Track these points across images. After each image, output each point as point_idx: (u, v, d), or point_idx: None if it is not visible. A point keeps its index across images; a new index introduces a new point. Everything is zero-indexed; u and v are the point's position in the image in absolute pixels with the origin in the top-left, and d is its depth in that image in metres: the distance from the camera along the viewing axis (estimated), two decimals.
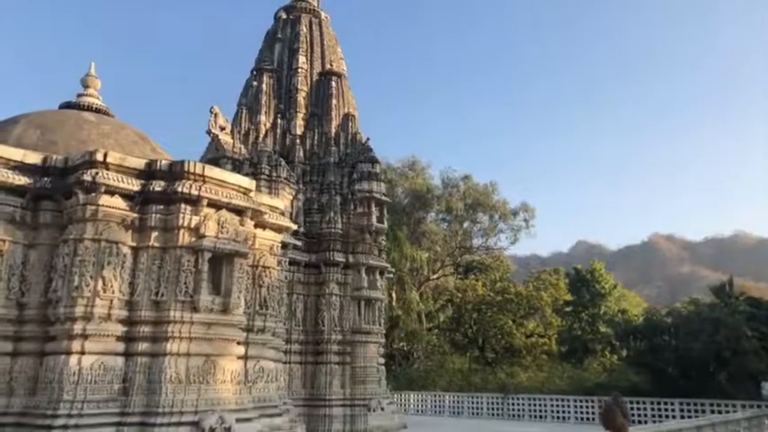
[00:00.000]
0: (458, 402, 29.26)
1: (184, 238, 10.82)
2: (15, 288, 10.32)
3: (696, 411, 22.52)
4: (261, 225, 12.79)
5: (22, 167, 10.64)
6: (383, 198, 18.55)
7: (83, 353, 9.90)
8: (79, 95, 15.13)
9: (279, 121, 19.32)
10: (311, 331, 17.06)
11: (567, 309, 41.36)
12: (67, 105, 14.79)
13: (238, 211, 11.65)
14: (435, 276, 46.78)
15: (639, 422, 23.91)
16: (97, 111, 14.70)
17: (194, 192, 10.89)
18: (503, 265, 48.79)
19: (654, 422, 23.45)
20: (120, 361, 10.26)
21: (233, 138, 18.25)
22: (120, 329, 10.37)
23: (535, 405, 26.99)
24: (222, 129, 18.00)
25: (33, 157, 10.85)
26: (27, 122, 13.02)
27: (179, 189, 10.77)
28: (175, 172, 11.12)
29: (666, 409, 23.40)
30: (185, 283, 10.65)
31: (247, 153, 18.26)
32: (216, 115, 17.77)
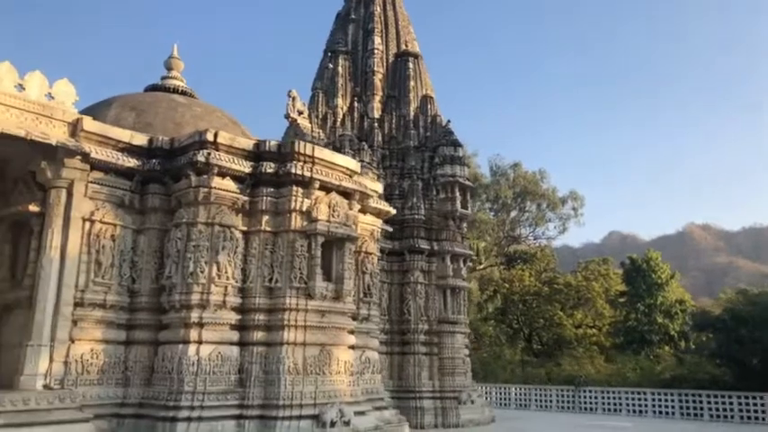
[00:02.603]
0: (525, 394, 28.43)
1: (297, 221, 10.30)
2: (126, 275, 9.92)
3: None
4: (362, 209, 12.20)
5: (129, 149, 10.23)
6: (467, 183, 17.80)
7: (200, 342, 9.46)
8: (163, 78, 14.75)
9: (356, 104, 18.68)
10: (396, 320, 16.44)
11: (622, 299, 40.02)
12: (153, 88, 14.41)
13: (347, 195, 11.10)
14: (482, 266, 45.89)
15: (725, 417, 22.84)
16: (183, 93, 14.29)
17: (307, 173, 10.35)
18: (546, 256, 47.57)
19: (741, 418, 22.38)
20: (235, 350, 9.81)
21: (310, 122, 17.68)
22: (234, 317, 9.91)
23: (609, 398, 26.01)
24: (300, 113, 17.42)
25: (140, 139, 10.42)
26: (121, 105, 12.64)
27: (292, 170, 10.24)
28: (285, 153, 10.60)
29: (755, 404, 22.20)
30: (300, 269, 10.12)
31: (326, 137, 17.69)
32: (294, 99, 17.17)
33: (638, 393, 25.36)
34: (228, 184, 10.11)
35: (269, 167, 10.32)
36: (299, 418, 9.43)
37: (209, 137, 10.02)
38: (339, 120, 18.39)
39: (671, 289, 41.69)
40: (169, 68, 14.91)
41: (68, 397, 8.64)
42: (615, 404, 25.76)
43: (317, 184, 10.46)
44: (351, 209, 11.11)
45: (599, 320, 42.01)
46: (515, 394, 28.71)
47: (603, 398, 26.19)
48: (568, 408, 26.90)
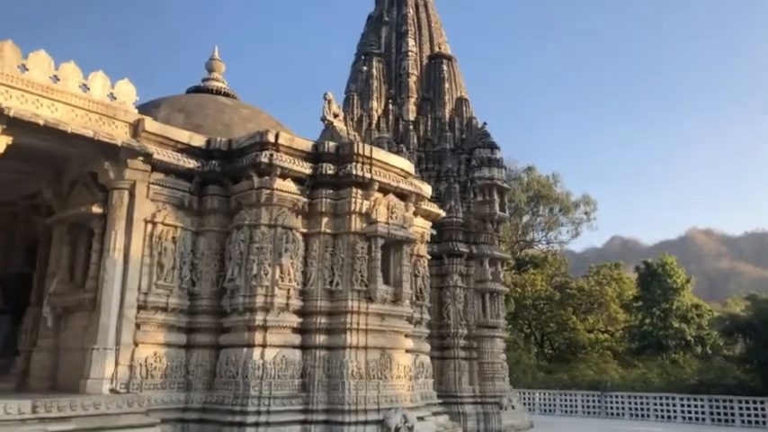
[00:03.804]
0: (549, 399, 28.25)
1: (356, 223, 10.17)
2: (187, 277, 9.79)
3: None
4: (414, 212, 12.06)
5: (188, 150, 10.10)
6: (504, 185, 17.67)
7: (264, 345, 9.32)
8: (205, 80, 14.65)
9: (390, 106, 18.58)
10: (435, 325, 16.22)
11: (637, 304, 39.80)
12: (196, 89, 14.29)
13: (403, 196, 10.98)
14: None
15: (757, 423, 22.59)
16: (225, 95, 14.18)
17: (367, 175, 10.23)
18: (557, 260, 47.31)
19: None
20: (297, 354, 9.66)
21: (346, 124, 17.57)
22: (296, 320, 9.77)
23: (636, 403, 25.78)
24: (336, 116, 17.34)
25: (198, 140, 10.30)
26: (169, 106, 12.53)
27: (353, 172, 10.11)
28: (343, 154, 10.48)
29: None
30: (360, 272, 9.98)
31: (361, 140, 17.59)
32: (330, 102, 17.09)
33: (667, 399, 25.13)
34: (289, 185, 9.99)
35: (328, 169, 10.20)
36: (365, 423, 9.28)
37: (270, 138, 9.90)
38: (374, 122, 18.29)
39: (686, 293, 41.44)
40: (210, 70, 14.81)
41: (136, 401, 8.49)
42: (643, 409, 25.51)
43: (376, 186, 10.34)
44: (407, 210, 10.99)
45: (612, 325, 41.76)
46: (539, 399, 28.52)
47: (630, 403, 25.97)
48: (595, 413, 26.67)
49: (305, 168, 10.12)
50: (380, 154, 10.83)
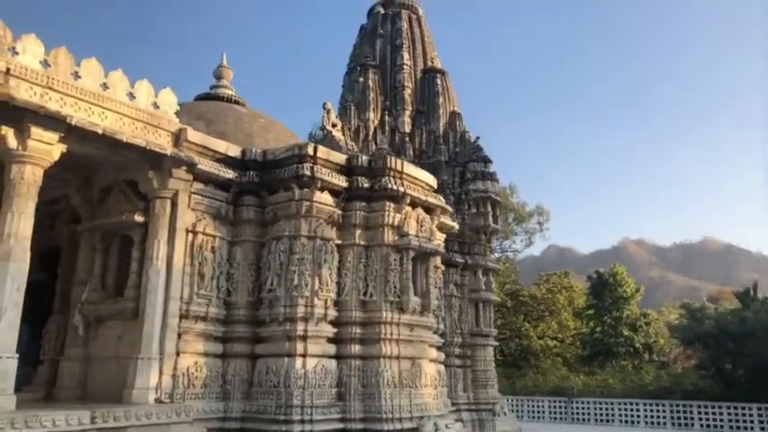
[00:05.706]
0: (517, 405, 29.08)
1: (389, 236, 10.45)
2: (223, 287, 9.84)
3: None
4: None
5: (224, 160, 10.16)
6: (498, 198, 18.28)
7: (305, 355, 9.47)
8: (213, 87, 14.64)
9: (386, 118, 18.93)
10: None
11: (589, 312, 41.46)
12: (206, 96, 14.27)
13: (429, 210, 11.33)
14: None
15: (715, 427, 24.00)
16: (236, 103, 14.21)
17: (400, 188, 10.53)
18: (508, 268, 48.68)
19: (730, 428, 23.59)
20: (333, 364, 9.85)
21: (344, 134, 17.80)
22: (331, 331, 9.96)
23: (601, 409, 26.93)
24: (334, 125, 17.56)
25: (234, 150, 10.37)
26: (186, 113, 12.38)
27: (387, 186, 10.39)
28: (376, 168, 10.75)
29: (744, 415, 23.47)
30: (393, 283, 10.27)
31: (359, 151, 17.85)
32: (329, 112, 17.30)
33: (630, 404, 26.38)
34: (326, 197, 10.20)
35: (363, 182, 10.45)
36: (401, 431, 9.55)
37: (309, 151, 10.09)
38: (371, 133, 18.59)
39: (635, 302, 43.40)
40: (219, 77, 14.80)
41: (183, 411, 8.51)
42: (607, 415, 26.71)
43: (408, 200, 10.65)
44: (433, 223, 11.34)
45: (562, 332, 43.25)
46: (507, 405, 29.29)
47: (596, 409, 27.11)
48: (561, 418, 27.69)
49: (341, 181, 10.34)
50: (410, 168, 11.16)
